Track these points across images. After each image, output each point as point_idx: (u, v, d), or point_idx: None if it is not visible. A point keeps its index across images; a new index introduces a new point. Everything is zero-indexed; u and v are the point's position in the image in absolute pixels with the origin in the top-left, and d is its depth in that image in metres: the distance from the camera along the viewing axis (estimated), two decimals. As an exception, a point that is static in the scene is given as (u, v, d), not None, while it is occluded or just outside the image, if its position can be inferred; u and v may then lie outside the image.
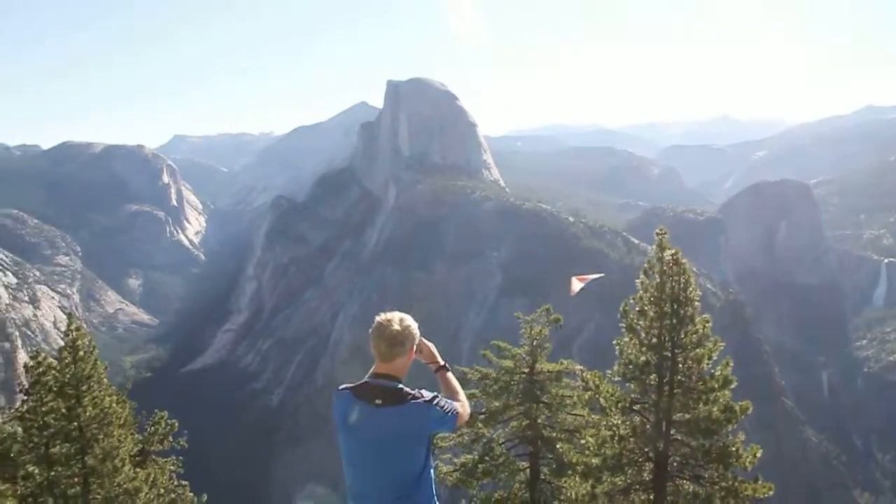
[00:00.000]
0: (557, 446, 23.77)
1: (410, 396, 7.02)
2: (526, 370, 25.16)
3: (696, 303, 20.12)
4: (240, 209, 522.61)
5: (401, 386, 7.09)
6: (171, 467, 32.97)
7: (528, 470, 25.34)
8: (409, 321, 7.21)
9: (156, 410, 33.68)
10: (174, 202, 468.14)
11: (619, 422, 20.65)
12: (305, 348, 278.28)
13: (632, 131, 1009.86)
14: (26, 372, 29.52)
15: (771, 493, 19.40)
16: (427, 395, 7.14)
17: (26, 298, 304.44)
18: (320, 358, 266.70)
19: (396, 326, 7.07)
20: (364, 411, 6.97)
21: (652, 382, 20.46)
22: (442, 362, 7.88)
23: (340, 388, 7.28)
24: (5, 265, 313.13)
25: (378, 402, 6.95)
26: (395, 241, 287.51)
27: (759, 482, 19.50)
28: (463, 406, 7.45)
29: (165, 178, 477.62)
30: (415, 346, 7.33)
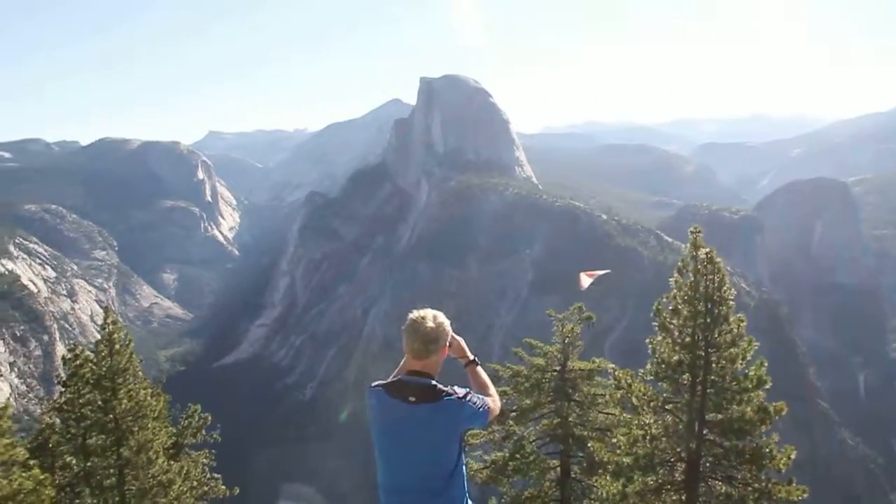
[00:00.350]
0: (588, 445, 23.64)
1: (444, 393, 7.02)
2: (557, 368, 25.08)
3: (731, 302, 19.89)
4: (274, 205, 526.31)
5: (434, 383, 7.08)
6: (204, 460, 33.29)
7: (558, 468, 25.26)
8: (443, 318, 7.20)
9: (189, 404, 34.03)
10: (209, 198, 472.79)
11: (651, 421, 20.50)
12: (338, 344, 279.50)
13: (666, 129, 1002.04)
14: (64, 364, 30.01)
15: (805, 495, 19.14)
16: (460, 391, 7.14)
17: (64, 292, 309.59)
18: (352, 353, 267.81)
19: (431, 324, 7.07)
20: (398, 408, 6.97)
21: (685, 382, 20.28)
22: (472, 357, 7.84)
23: (373, 385, 7.26)
24: (44, 259, 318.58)
25: (412, 399, 6.95)
26: (427, 237, 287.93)
27: (794, 484, 19.25)
28: (494, 401, 7.43)
29: (200, 174, 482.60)
30: (447, 344, 7.33)
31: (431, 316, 7.14)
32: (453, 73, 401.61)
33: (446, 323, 7.21)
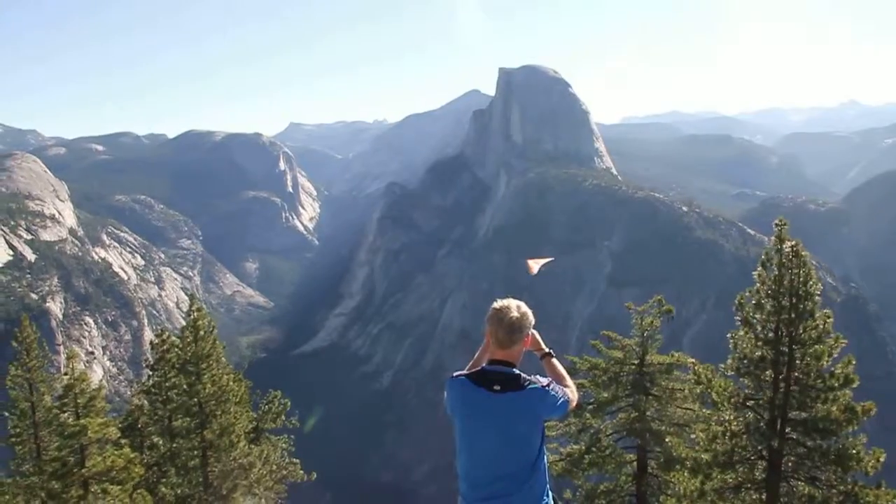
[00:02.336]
0: (666, 440, 23.31)
1: (528, 382, 7.03)
2: (636, 361, 24.80)
3: (817, 297, 19.30)
4: (353, 195, 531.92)
5: (518, 372, 7.09)
6: (283, 445, 34.09)
7: (635, 463, 25.01)
8: (526, 308, 7.19)
9: (269, 390, 34.86)
10: (290, 188, 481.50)
11: (732, 417, 20.07)
12: (415, 333, 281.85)
13: (751, 118, 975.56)
14: (152, 349, 31.15)
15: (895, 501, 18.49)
16: (543, 380, 7.15)
17: (152, 279, 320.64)
18: (429, 343, 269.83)
19: (515, 314, 7.05)
20: (483, 397, 6.98)
21: (767, 378, 19.79)
22: (547, 349, 7.85)
23: (455, 374, 7.30)
24: (134, 248, 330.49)
25: (496, 387, 6.96)
26: (505, 228, 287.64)
27: (883, 489, 18.60)
28: (572, 391, 7.45)
29: (282, 165, 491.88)
30: (530, 333, 7.31)
31: (515, 305, 7.12)
32: (532, 63, 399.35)
33: (529, 313, 7.20)
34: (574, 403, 7.46)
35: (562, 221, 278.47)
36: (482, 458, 7.09)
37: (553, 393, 7.08)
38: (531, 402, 6.99)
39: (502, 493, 6.97)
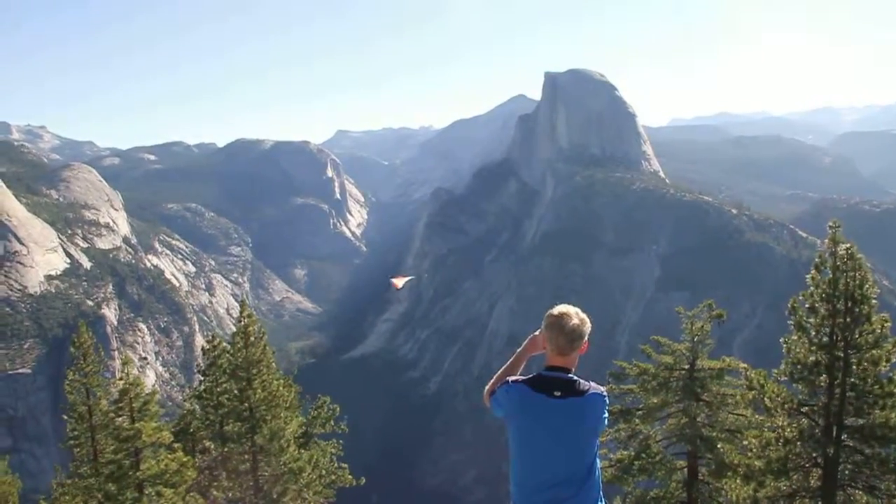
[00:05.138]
0: (718, 446, 23.00)
1: (588, 388, 7.03)
2: (686, 366, 24.50)
3: (873, 301, 18.92)
4: (400, 201, 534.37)
5: (576, 378, 7.08)
6: (332, 450, 34.31)
7: (685, 469, 24.69)
8: (584, 315, 7.18)
9: (319, 395, 35.15)
10: (337, 195, 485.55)
11: (785, 424, 19.75)
12: (462, 339, 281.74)
13: (803, 118, 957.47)
14: (203, 354, 31.68)
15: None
16: (601, 388, 7.16)
17: (203, 286, 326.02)
18: (477, 348, 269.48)
19: (576, 320, 7.05)
20: (543, 402, 6.98)
21: (822, 384, 19.43)
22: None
23: (511, 380, 7.29)
24: (185, 255, 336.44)
25: (557, 393, 6.97)
26: (552, 233, 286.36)
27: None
28: None
29: (329, 172, 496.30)
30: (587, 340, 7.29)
31: (574, 312, 7.11)
32: (578, 66, 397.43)
33: (587, 319, 7.18)
34: None
35: (609, 225, 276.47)
36: (540, 463, 7.07)
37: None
38: (592, 408, 7.01)
39: (559, 498, 6.98)
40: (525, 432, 7.13)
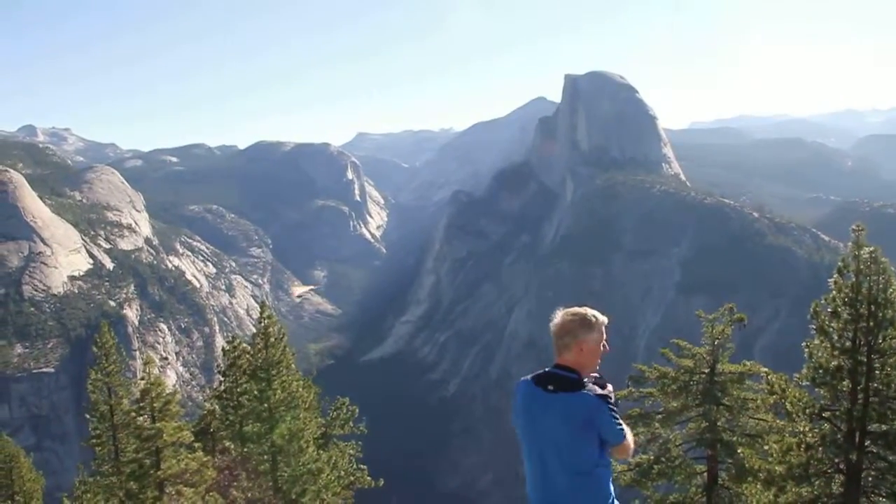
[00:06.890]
0: (738, 451, 22.83)
1: (585, 388, 6.99)
2: (706, 370, 24.35)
3: (897, 305, 18.71)
4: (420, 204, 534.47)
5: (577, 377, 7.03)
6: (351, 451, 34.43)
7: (705, 474, 24.53)
8: (576, 315, 7.16)
9: (338, 397, 35.28)
10: (357, 197, 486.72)
11: (807, 429, 19.55)
12: (482, 341, 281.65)
13: (825, 120, 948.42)
14: (224, 355, 31.88)
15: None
16: (604, 392, 7.07)
17: (223, 287, 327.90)
18: (496, 351, 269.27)
19: (557, 320, 7.16)
20: (537, 396, 7.06)
21: (844, 389, 19.24)
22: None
23: (523, 377, 7.39)
24: (206, 256, 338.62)
25: (550, 387, 7.01)
26: (572, 236, 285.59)
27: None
28: (630, 434, 7.29)
29: (349, 175, 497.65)
30: (583, 341, 7.17)
31: (561, 312, 7.20)
32: (598, 69, 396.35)
33: (589, 319, 7.11)
34: (629, 449, 7.27)
35: (629, 228, 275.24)
36: (534, 460, 7.13)
37: (610, 409, 6.98)
38: (582, 405, 6.91)
39: (550, 499, 7.02)
40: (524, 428, 7.19)
